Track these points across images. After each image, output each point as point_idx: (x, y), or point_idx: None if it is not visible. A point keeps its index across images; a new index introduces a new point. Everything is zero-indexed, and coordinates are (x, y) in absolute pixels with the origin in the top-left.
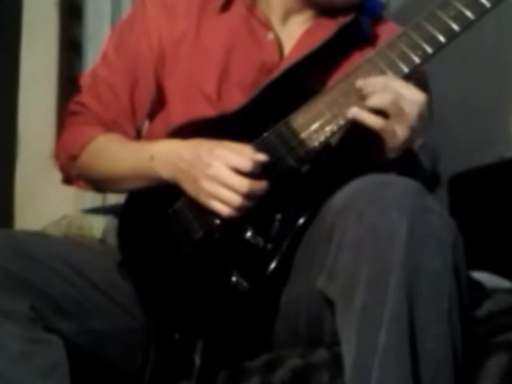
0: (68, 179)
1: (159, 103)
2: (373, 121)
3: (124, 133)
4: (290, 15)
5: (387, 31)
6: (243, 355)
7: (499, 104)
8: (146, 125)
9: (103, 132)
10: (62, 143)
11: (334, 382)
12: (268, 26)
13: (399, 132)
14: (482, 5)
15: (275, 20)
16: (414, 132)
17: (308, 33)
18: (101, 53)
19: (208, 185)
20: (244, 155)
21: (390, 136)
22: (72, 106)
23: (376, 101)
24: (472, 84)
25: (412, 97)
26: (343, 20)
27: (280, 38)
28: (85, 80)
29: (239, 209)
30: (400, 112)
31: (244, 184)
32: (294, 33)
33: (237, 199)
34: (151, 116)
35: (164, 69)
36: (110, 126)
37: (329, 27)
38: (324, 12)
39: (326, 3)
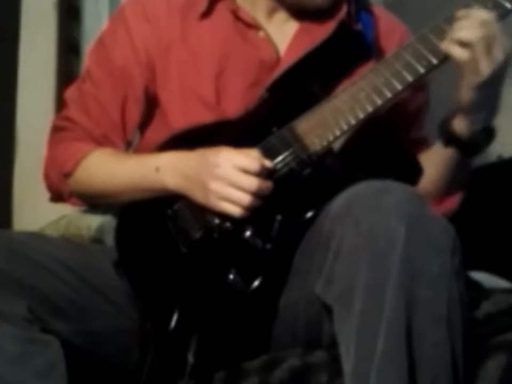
0: (59, 197)
1: (149, 113)
2: (458, 53)
3: (114, 147)
4: (274, 12)
5: (387, 27)
6: (242, 356)
7: None
8: (137, 137)
9: (95, 147)
10: (51, 161)
11: (333, 382)
12: (256, 26)
13: (482, 69)
14: None
15: (261, 18)
16: (498, 77)
17: (303, 32)
18: (84, 68)
19: (217, 186)
20: (251, 156)
21: (472, 71)
22: (59, 122)
23: (465, 34)
24: None
25: (504, 42)
26: (337, 17)
27: (270, 35)
28: (70, 95)
29: (249, 208)
30: (488, 50)
31: (253, 183)
32: (285, 31)
33: (247, 199)
34: (144, 126)
35: (156, 80)
36: (100, 141)
37: (324, 25)
38: (303, 13)
39: (295, 6)
